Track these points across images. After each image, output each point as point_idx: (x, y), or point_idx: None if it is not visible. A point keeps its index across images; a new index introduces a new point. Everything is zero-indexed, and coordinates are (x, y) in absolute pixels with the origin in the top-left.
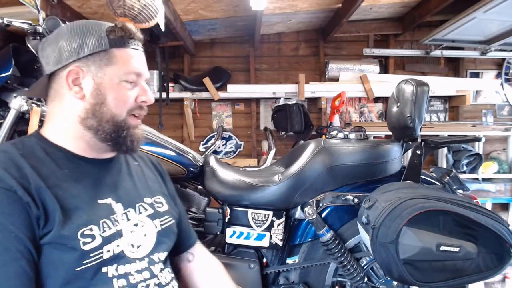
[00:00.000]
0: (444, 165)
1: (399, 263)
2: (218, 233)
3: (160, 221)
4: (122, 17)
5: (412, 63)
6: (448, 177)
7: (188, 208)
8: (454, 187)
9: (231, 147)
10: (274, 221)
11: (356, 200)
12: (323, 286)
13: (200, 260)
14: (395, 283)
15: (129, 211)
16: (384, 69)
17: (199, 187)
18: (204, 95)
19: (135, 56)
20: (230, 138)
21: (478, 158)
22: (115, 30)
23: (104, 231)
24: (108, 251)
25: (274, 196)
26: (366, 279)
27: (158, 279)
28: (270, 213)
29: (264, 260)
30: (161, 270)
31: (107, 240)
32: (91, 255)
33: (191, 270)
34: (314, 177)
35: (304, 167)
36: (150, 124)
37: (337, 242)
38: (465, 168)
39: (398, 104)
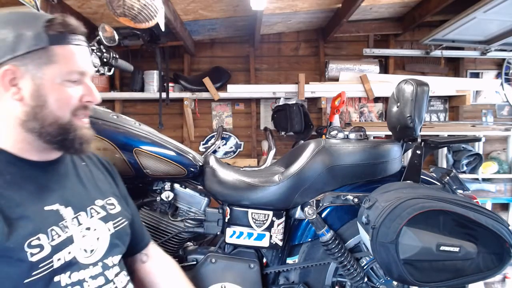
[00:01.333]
0: (444, 165)
1: (399, 263)
2: (218, 233)
3: (113, 223)
4: (122, 17)
5: (412, 63)
6: (448, 177)
7: (188, 208)
8: (454, 187)
9: (231, 147)
10: (274, 221)
11: (356, 200)
12: (323, 286)
13: (155, 260)
14: (395, 283)
15: (80, 215)
16: (384, 69)
17: (199, 187)
18: (204, 95)
19: (77, 53)
20: (230, 138)
21: (478, 158)
22: (54, 24)
23: (53, 239)
24: (59, 259)
25: (274, 196)
26: (366, 279)
27: (114, 283)
28: (270, 213)
29: (264, 260)
30: (117, 274)
31: (56, 249)
32: (40, 265)
33: (145, 271)
34: (314, 177)
35: (304, 167)
36: (150, 124)
37: (337, 242)
38: (465, 168)
39: (398, 104)
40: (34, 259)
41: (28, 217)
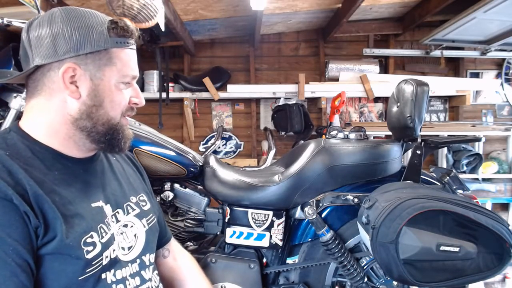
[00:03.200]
0: (444, 165)
1: (399, 263)
2: (218, 233)
3: (147, 220)
4: (121, 17)
5: (412, 63)
6: (448, 177)
7: (188, 208)
8: (454, 187)
9: (231, 147)
10: (274, 221)
11: (356, 200)
12: (323, 286)
13: (176, 255)
14: (395, 283)
15: (118, 212)
16: (384, 69)
17: (199, 187)
18: (204, 95)
19: (132, 57)
20: (230, 138)
21: (478, 158)
22: (117, 28)
23: (102, 237)
24: (107, 256)
25: (274, 196)
26: (366, 279)
27: (151, 282)
28: (270, 213)
29: (264, 260)
30: (153, 273)
31: (105, 246)
32: (93, 263)
33: (167, 266)
34: (314, 177)
35: (304, 167)
36: (150, 124)
37: (337, 242)
38: (465, 168)
39: (398, 104)
40: (89, 256)
41: (81, 214)
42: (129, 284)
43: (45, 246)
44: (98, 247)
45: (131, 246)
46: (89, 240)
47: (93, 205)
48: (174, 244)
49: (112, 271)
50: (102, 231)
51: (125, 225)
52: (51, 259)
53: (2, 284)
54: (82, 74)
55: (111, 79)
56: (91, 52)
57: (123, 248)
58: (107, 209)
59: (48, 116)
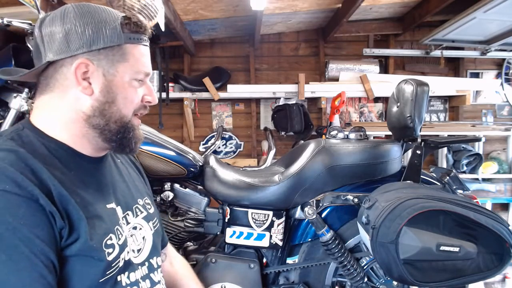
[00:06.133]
0: (444, 165)
1: (399, 263)
2: (218, 233)
3: (153, 223)
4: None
5: (412, 63)
6: (448, 177)
7: (188, 208)
8: (454, 187)
9: (231, 147)
10: (274, 221)
11: (356, 200)
12: (323, 286)
13: (172, 260)
14: (395, 283)
15: (128, 214)
16: (384, 69)
17: (199, 187)
18: (204, 95)
19: (146, 54)
20: (230, 138)
21: (478, 158)
22: (130, 23)
23: (119, 238)
24: (123, 259)
25: (274, 196)
26: (366, 279)
27: (160, 285)
28: (270, 213)
29: (264, 260)
30: (161, 275)
31: (122, 248)
32: (113, 265)
33: (163, 270)
34: (314, 177)
35: (304, 167)
36: (150, 124)
37: (337, 242)
38: (465, 168)
39: (398, 104)
40: (110, 258)
41: (99, 216)
42: (141, 287)
43: (68, 247)
44: (117, 249)
45: (140, 248)
46: (109, 242)
47: (108, 206)
48: (170, 249)
49: (126, 273)
50: (118, 232)
51: (135, 227)
52: (74, 261)
53: (30, 286)
54: (95, 70)
55: (124, 76)
56: (104, 48)
57: (133, 251)
58: (119, 210)
59: (61, 113)
